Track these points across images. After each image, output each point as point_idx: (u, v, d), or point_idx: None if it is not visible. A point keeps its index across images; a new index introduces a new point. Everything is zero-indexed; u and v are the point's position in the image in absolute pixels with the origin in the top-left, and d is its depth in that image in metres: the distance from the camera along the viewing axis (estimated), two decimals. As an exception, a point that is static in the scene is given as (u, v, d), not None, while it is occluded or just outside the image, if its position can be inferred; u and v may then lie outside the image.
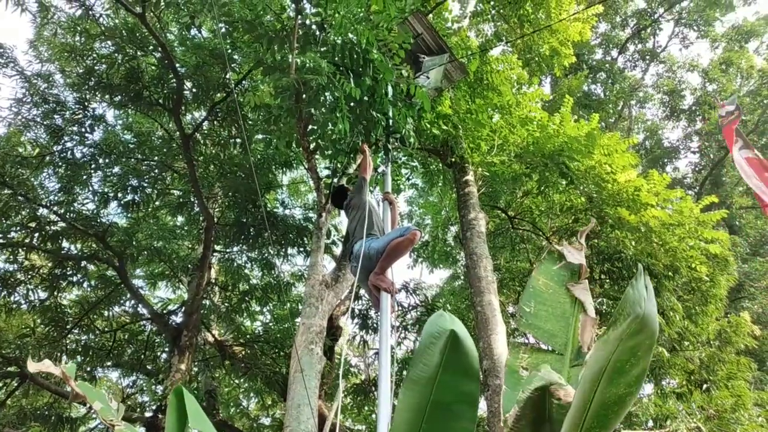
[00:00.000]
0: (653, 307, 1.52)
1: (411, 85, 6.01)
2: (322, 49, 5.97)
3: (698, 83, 20.94)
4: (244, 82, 10.06)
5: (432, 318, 1.54)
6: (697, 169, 21.03)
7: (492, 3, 10.48)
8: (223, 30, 7.11)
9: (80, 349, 11.08)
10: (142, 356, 11.71)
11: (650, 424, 10.26)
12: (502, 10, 10.48)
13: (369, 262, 4.46)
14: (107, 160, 10.70)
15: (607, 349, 1.50)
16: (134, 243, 10.59)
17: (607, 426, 1.48)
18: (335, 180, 7.18)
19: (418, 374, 1.44)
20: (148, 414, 10.81)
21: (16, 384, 10.02)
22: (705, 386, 10.02)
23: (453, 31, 9.69)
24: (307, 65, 5.68)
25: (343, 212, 5.78)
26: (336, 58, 5.77)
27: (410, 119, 6.36)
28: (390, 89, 6.12)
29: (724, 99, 15.00)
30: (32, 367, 1.83)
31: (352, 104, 6.04)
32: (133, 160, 11.01)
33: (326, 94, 5.94)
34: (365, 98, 5.98)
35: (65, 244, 10.67)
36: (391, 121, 6.18)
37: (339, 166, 7.09)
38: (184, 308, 10.94)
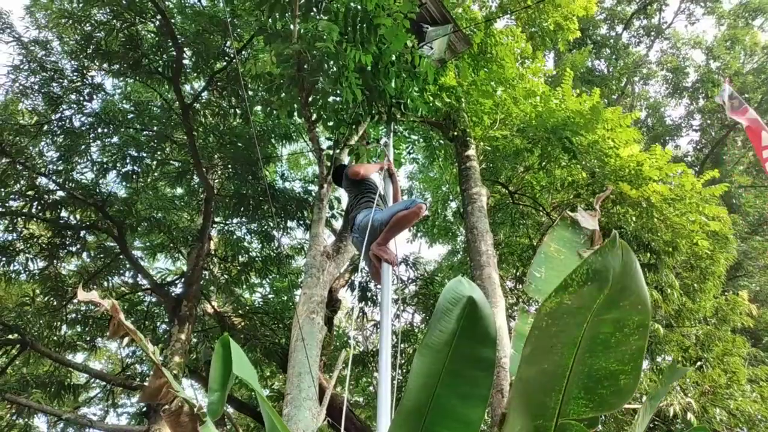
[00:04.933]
0: (637, 281, 1.38)
1: (416, 55, 5.91)
2: (325, 18, 5.86)
3: (702, 60, 20.73)
4: (244, 51, 9.91)
5: (450, 284, 1.51)
6: (698, 147, 20.93)
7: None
8: (224, -3, 6.97)
9: (80, 319, 11.12)
10: (142, 326, 11.75)
11: (644, 399, 10.36)
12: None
13: (373, 232, 4.44)
14: (106, 130, 10.58)
15: (577, 317, 1.40)
16: (133, 213, 10.55)
17: (602, 404, 1.40)
18: (337, 151, 7.12)
19: (434, 340, 1.41)
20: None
21: (16, 352, 10.07)
22: (698, 363, 10.10)
23: (457, 1, 9.53)
24: (317, 31, 5.57)
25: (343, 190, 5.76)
26: (340, 26, 5.66)
27: (416, 88, 6.28)
28: (393, 58, 6.02)
29: (728, 76, 14.80)
30: (81, 296, 1.82)
31: (356, 74, 5.95)
32: (131, 129, 10.90)
33: (330, 62, 5.84)
34: (368, 68, 5.89)
35: (64, 213, 10.61)
36: (394, 91, 6.10)
37: (341, 137, 7.03)
38: (183, 279, 10.94)
